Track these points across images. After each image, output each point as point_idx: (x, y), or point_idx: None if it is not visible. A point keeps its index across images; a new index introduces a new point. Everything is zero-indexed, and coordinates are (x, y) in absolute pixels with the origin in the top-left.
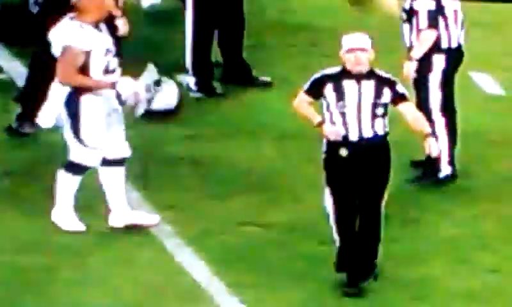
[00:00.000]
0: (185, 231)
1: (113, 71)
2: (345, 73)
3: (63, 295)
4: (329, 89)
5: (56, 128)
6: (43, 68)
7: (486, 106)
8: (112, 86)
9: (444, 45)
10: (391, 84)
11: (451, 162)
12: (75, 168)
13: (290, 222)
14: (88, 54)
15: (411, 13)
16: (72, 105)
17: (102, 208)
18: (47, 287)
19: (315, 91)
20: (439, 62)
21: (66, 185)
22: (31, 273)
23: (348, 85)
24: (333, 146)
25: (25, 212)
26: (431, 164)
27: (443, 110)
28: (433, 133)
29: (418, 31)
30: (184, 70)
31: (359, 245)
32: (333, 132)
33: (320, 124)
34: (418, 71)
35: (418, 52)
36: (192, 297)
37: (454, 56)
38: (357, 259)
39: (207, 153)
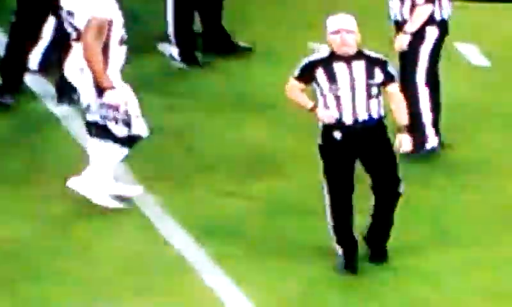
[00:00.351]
0: (168, 202)
1: (125, 42)
2: (334, 56)
3: (43, 264)
4: (320, 73)
5: (38, 98)
6: (23, 38)
7: (471, 77)
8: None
9: (437, 16)
10: (382, 64)
11: (437, 134)
12: (128, 141)
13: (273, 194)
14: (110, 23)
15: None
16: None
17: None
18: (27, 256)
19: (306, 76)
20: (432, 34)
21: (113, 158)
22: (11, 243)
23: (339, 68)
24: (327, 130)
25: (8, 181)
26: (418, 136)
27: (428, 83)
28: (417, 107)
29: (413, 6)
30: (166, 40)
31: (374, 226)
32: (327, 115)
33: (313, 109)
34: (409, 43)
35: (413, 26)
36: (175, 268)
37: (445, 27)
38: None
39: (189, 124)
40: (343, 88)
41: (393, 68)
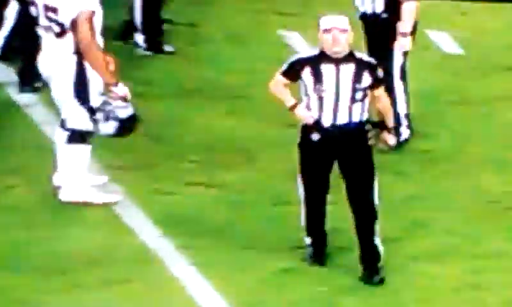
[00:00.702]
0: (134, 191)
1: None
2: (323, 56)
3: (7, 255)
4: (307, 72)
5: (0, 85)
6: None
7: (443, 65)
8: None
9: None
10: (372, 68)
11: (409, 126)
12: (84, 136)
13: (242, 183)
14: (93, 14)
15: None
16: (80, 70)
17: (49, 168)
18: None
19: (293, 73)
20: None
21: (82, 157)
22: None
23: (327, 69)
24: (306, 131)
25: None
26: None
27: (402, 76)
28: (393, 100)
29: (399, 2)
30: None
31: (359, 241)
32: (306, 115)
33: (293, 107)
34: (384, 38)
35: (408, 26)
36: (140, 259)
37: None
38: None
39: (156, 112)
40: (328, 90)
41: (382, 72)
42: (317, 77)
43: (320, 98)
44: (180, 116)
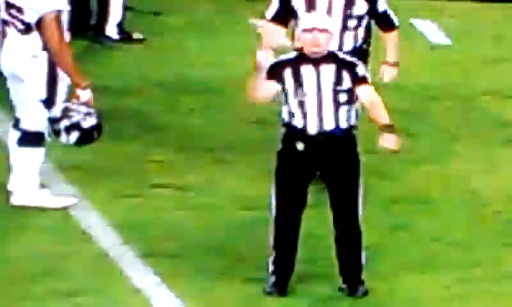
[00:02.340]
0: (92, 194)
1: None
2: (302, 58)
3: None
4: (288, 74)
5: None
6: None
7: (430, 57)
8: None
9: None
10: (350, 66)
11: None
12: (39, 138)
13: (210, 185)
14: (60, 13)
15: None
16: (52, 70)
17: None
18: None
19: (275, 73)
20: None
21: (35, 160)
22: None
23: (306, 71)
24: (289, 139)
25: None
26: None
27: None
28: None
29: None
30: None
31: (340, 258)
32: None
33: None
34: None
35: (397, 53)
36: (99, 269)
37: None
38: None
39: (116, 108)
40: (309, 94)
41: (364, 70)
42: (298, 79)
43: (302, 104)
44: (143, 112)
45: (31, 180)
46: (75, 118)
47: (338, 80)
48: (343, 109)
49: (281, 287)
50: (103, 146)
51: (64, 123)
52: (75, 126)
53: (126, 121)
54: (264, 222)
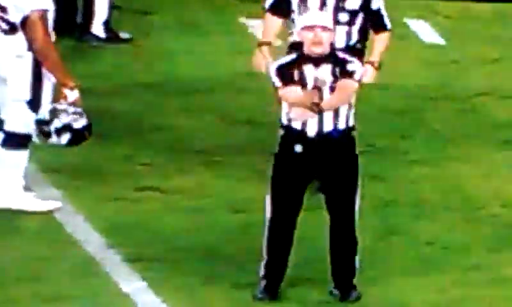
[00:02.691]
0: (77, 197)
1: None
2: (303, 57)
3: None
4: (295, 76)
5: None
6: None
7: (424, 57)
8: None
9: None
10: (344, 63)
11: None
12: (24, 140)
13: (199, 188)
14: (46, 13)
15: None
16: (37, 71)
17: None
18: None
19: (288, 75)
20: None
21: (19, 162)
22: None
23: (308, 70)
24: (287, 142)
25: None
26: None
27: None
28: None
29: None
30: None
31: (333, 262)
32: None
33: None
34: None
35: (381, 55)
36: (85, 273)
37: None
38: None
39: (103, 109)
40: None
41: (356, 66)
42: (303, 81)
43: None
44: (130, 113)
45: (15, 182)
46: (66, 119)
47: (335, 79)
48: (342, 110)
49: (272, 291)
50: (88, 148)
51: (55, 125)
52: (67, 127)
53: (113, 123)
54: (255, 225)
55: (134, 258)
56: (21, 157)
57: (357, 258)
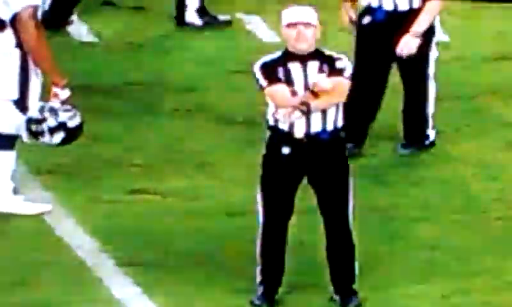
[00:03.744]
0: (68, 200)
1: None
2: (288, 56)
3: None
4: (280, 74)
5: None
6: None
7: None
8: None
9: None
10: (332, 61)
11: (434, 127)
12: (11, 141)
13: (192, 190)
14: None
15: None
16: (24, 65)
17: None
18: None
19: (273, 74)
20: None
21: (7, 164)
22: None
23: (294, 68)
24: (274, 143)
25: None
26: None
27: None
28: (426, 101)
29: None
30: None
31: (331, 266)
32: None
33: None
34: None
35: (424, 25)
36: (76, 278)
37: None
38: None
39: (94, 108)
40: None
41: (345, 64)
42: (289, 79)
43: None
44: (123, 113)
45: (3, 184)
46: (60, 117)
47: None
48: (330, 110)
49: (269, 298)
50: (80, 149)
51: (49, 123)
52: (61, 126)
53: (105, 123)
54: (251, 229)
55: (127, 262)
56: (8, 158)
57: (356, 262)
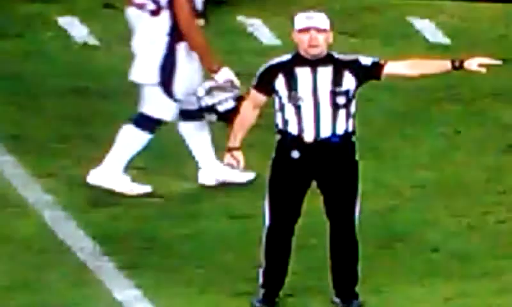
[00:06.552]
0: (69, 202)
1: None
2: (298, 59)
3: None
4: (280, 81)
5: None
6: None
7: (428, 57)
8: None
9: None
10: (352, 64)
11: None
12: (152, 124)
13: (194, 193)
14: None
15: None
16: (169, 54)
17: None
18: None
19: (266, 85)
20: None
21: (134, 142)
22: None
23: (302, 73)
24: (284, 147)
25: None
26: None
27: None
28: None
29: None
30: None
31: (334, 269)
32: (230, 163)
33: (230, 150)
34: None
35: None
36: (77, 281)
37: None
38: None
39: (96, 110)
40: (305, 98)
41: (369, 58)
42: (292, 82)
43: (298, 108)
44: (124, 115)
45: (121, 160)
46: (213, 100)
47: (337, 82)
48: (341, 114)
49: (270, 300)
50: (80, 152)
51: (202, 103)
52: (212, 108)
53: (105, 125)
54: (252, 231)
55: (128, 265)
56: (141, 139)
57: (359, 266)
